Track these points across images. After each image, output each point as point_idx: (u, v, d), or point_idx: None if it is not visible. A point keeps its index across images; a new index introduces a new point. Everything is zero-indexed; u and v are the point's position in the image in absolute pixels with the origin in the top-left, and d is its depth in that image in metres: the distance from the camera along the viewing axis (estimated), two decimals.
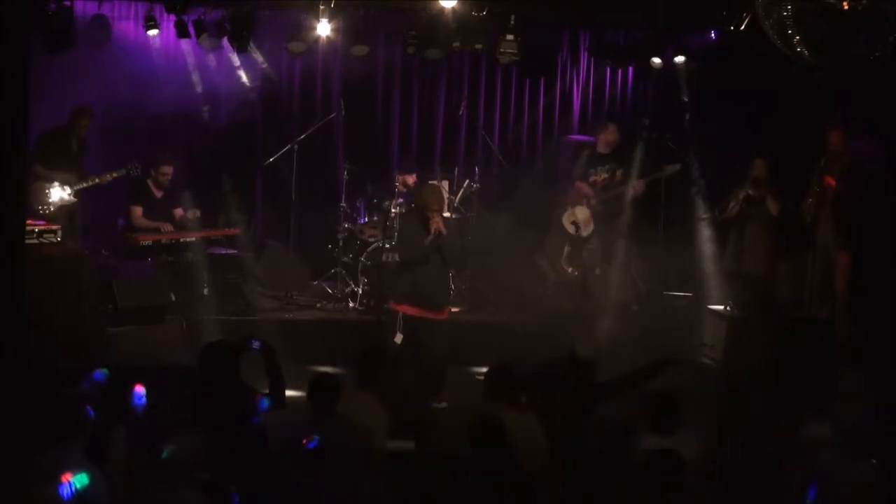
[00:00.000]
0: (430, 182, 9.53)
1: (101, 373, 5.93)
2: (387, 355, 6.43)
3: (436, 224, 8.08)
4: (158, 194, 9.70)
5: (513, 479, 5.15)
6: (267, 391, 5.81)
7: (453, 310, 10.02)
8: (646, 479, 5.03)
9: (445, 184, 10.58)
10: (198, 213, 9.72)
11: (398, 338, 8.19)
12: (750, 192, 9.09)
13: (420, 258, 8.17)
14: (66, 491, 4.42)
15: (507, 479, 5.12)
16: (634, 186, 10.21)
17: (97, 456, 4.77)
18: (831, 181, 8.53)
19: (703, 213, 10.28)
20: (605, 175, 10.39)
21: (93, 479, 4.51)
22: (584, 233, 8.97)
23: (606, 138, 10.35)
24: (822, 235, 8.71)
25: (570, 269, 8.92)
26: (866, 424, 5.55)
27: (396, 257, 8.83)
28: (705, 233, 10.24)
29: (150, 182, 9.62)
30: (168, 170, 9.62)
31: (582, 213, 9.95)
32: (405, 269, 8.30)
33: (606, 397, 6.21)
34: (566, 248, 8.96)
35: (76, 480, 4.45)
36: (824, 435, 5.52)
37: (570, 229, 9.09)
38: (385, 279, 8.86)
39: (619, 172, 10.35)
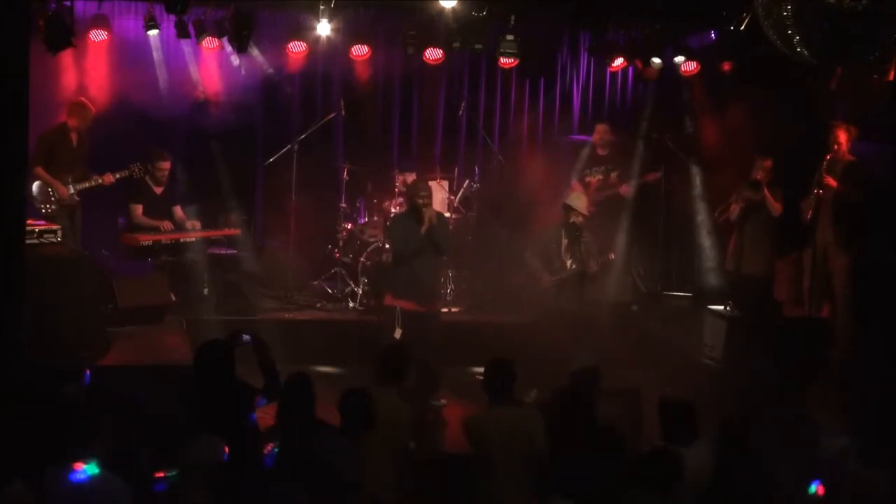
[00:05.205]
0: (419, 177, 9.57)
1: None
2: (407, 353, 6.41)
3: (428, 213, 8.24)
4: (158, 190, 9.70)
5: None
6: (262, 387, 5.81)
7: (453, 310, 10.04)
8: (643, 479, 5.02)
9: (445, 184, 10.59)
10: (197, 225, 9.70)
11: (398, 333, 8.23)
12: (748, 194, 9.06)
13: (416, 251, 8.28)
14: (78, 476, 4.44)
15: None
16: (625, 188, 10.25)
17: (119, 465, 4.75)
18: (832, 182, 8.51)
19: (702, 213, 10.29)
20: (598, 176, 10.41)
21: (103, 474, 4.53)
22: (582, 209, 8.90)
23: (598, 139, 10.39)
24: (822, 235, 8.70)
25: (569, 263, 8.91)
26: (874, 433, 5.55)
27: (389, 257, 8.92)
28: (705, 233, 10.24)
29: (148, 179, 9.61)
30: (165, 165, 9.61)
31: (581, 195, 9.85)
32: (402, 265, 8.39)
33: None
34: (564, 241, 8.95)
35: (87, 468, 4.48)
36: (841, 445, 5.52)
37: (575, 201, 8.99)
38: (384, 277, 8.92)
39: (613, 175, 10.37)
